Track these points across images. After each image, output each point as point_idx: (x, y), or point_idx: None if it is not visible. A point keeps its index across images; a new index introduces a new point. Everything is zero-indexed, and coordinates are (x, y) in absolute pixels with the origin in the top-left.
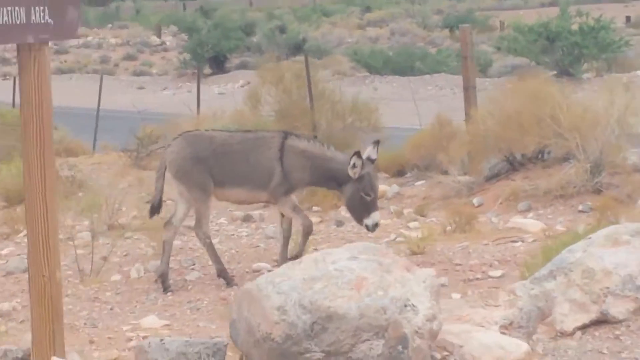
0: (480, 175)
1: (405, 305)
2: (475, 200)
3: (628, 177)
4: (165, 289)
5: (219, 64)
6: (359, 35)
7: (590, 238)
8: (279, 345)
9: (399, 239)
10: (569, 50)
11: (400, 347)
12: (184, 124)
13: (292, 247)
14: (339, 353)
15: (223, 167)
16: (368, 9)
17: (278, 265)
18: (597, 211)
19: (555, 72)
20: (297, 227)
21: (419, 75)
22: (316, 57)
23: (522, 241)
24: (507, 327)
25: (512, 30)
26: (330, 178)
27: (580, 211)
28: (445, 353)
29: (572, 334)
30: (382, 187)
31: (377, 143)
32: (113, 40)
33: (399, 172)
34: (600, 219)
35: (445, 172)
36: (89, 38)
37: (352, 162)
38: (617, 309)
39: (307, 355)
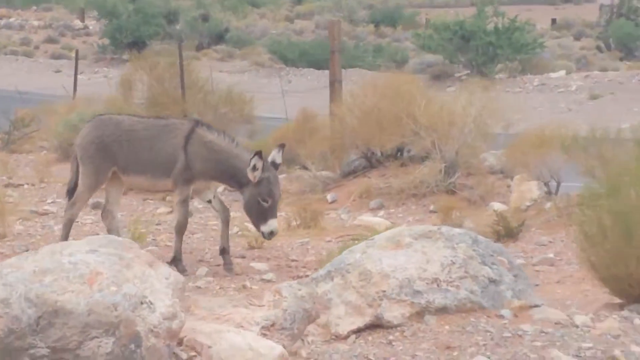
0: (337, 172)
1: (141, 303)
2: (329, 196)
3: (482, 178)
4: None
5: (137, 51)
6: (284, 27)
7: (373, 239)
8: (0, 340)
9: (240, 232)
10: (483, 50)
11: (132, 346)
12: (59, 107)
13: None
14: (65, 350)
15: (127, 153)
16: (299, 2)
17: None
18: (442, 212)
19: (468, 72)
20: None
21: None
22: (237, 47)
23: (365, 239)
24: (268, 329)
25: (428, 27)
26: (231, 176)
27: (431, 211)
28: (193, 353)
29: (346, 337)
30: None
31: (282, 147)
32: (36, 23)
33: None
34: (445, 220)
35: (305, 167)
36: (12, 19)
37: (252, 164)
38: (392, 313)
39: (32, 351)
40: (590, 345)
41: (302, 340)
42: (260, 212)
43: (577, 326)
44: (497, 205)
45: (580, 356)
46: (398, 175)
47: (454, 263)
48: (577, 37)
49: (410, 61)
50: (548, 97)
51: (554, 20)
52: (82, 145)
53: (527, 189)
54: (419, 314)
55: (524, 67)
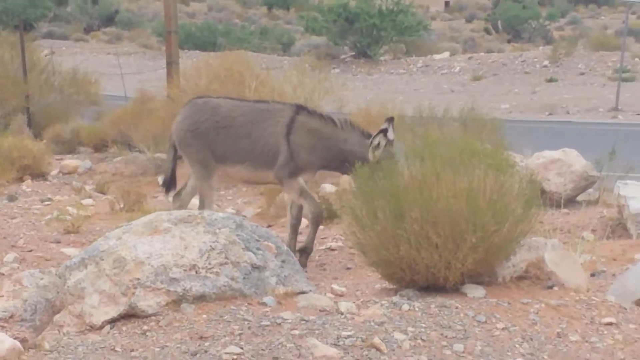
0: None
1: None
2: (160, 179)
3: None
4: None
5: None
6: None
7: (130, 224)
8: None
9: (62, 216)
10: (367, 32)
11: None
12: None
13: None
14: None
15: (224, 141)
16: None
17: None
18: (268, 194)
19: (353, 54)
20: (305, 214)
21: (220, 50)
22: (127, 29)
23: None
24: (7, 321)
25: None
26: (343, 161)
27: (261, 193)
28: None
29: (100, 327)
30: (75, 162)
31: (391, 120)
32: None
33: (101, 147)
34: (270, 201)
35: (140, 150)
36: None
37: (376, 141)
38: (147, 302)
39: None
40: (351, 333)
41: (59, 331)
42: None
43: (342, 313)
44: (328, 187)
45: (339, 344)
46: None
47: (213, 249)
48: (469, 20)
49: (296, 43)
50: (432, 78)
51: (447, 3)
52: (179, 133)
53: None
54: (176, 303)
55: (409, 49)
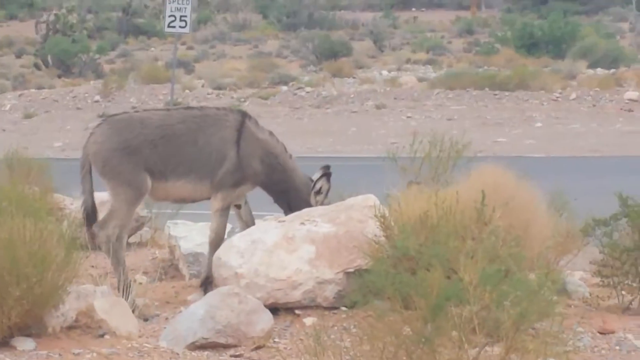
0: None
1: None
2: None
3: None
4: None
5: None
6: None
7: None
8: None
9: None
10: None
11: None
12: None
13: None
14: None
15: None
16: None
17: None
18: None
19: None
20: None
21: None
22: None
23: None
24: None
25: None
26: (283, 192)
27: None
28: None
29: None
30: None
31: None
32: None
33: None
34: None
35: None
36: None
37: (317, 186)
38: None
39: None
40: None
41: None
42: None
43: None
44: None
45: None
46: None
47: None
48: (19, 55)
49: None
50: None
51: None
52: (101, 154)
53: None
54: None
55: None
